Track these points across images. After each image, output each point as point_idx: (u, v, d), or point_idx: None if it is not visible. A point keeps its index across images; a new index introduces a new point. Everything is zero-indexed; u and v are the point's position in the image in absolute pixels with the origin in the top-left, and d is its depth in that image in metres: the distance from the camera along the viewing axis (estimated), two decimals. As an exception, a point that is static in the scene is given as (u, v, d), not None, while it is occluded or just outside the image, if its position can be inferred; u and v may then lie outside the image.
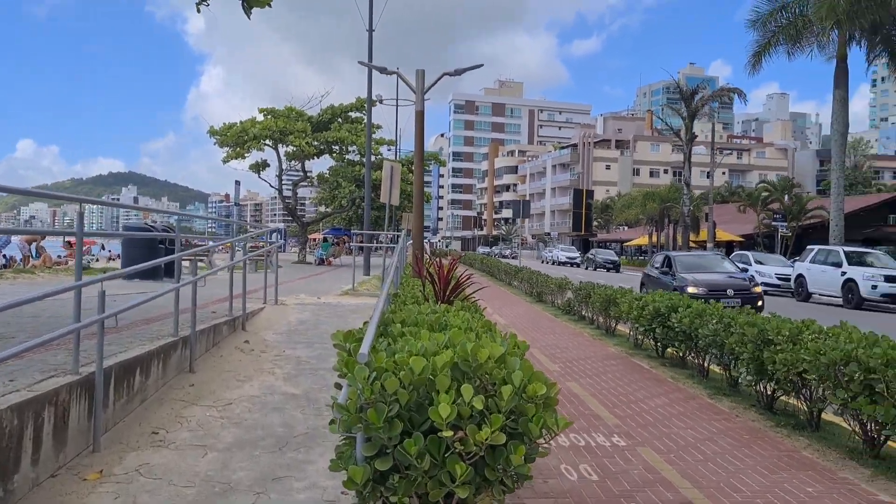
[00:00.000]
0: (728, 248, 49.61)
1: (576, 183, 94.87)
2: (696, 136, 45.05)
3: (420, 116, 9.47)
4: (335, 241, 36.89)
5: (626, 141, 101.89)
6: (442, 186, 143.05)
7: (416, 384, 2.88)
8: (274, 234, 19.33)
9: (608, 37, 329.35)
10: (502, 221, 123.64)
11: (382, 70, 10.54)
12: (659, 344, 10.60)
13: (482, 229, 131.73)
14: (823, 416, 6.53)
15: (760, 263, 28.01)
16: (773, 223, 41.45)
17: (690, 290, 15.55)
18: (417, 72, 9.43)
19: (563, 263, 53.80)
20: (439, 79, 10.04)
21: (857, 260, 22.22)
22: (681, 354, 9.88)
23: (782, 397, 7.16)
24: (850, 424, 5.79)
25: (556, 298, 18.44)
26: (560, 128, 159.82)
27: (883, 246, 41.68)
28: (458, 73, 10.12)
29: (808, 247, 25.70)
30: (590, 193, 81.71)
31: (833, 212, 30.48)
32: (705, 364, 8.97)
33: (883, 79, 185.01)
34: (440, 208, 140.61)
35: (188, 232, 43.85)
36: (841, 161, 30.38)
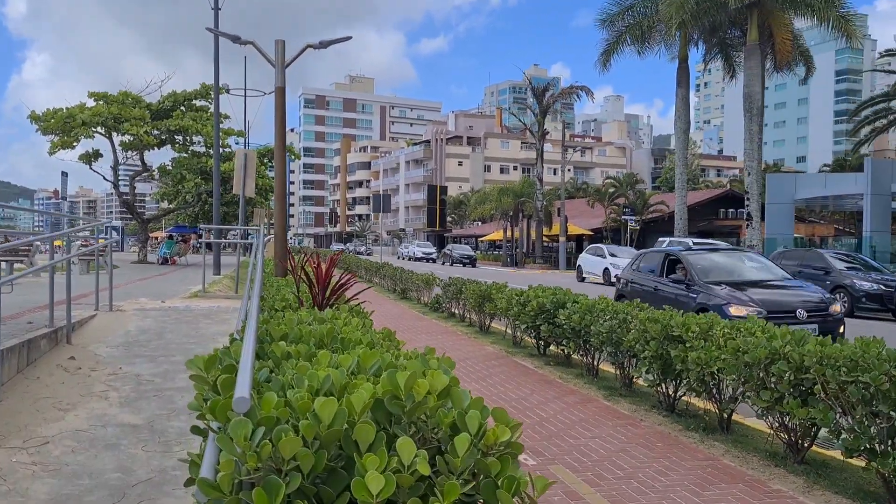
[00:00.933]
0: (578, 241, 51.24)
1: (429, 179, 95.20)
2: (549, 132, 46.03)
3: (281, 93, 8.31)
4: (181, 238, 34.24)
5: (477, 138, 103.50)
6: (293, 182, 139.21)
7: (325, 441, 1.89)
8: (110, 231, 17.25)
9: (455, 37, 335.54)
10: (356, 218, 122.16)
11: (235, 39, 9.25)
12: (541, 342, 10.06)
13: (335, 226, 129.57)
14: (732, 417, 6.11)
15: (615, 256, 28.75)
16: (623, 217, 43.13)
17: (735, 311, 9.69)
18: (277, 43, 8.27)
19: (420, 259, 53.43)
20: (302, 51, 8.92)
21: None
22: (566, 353, 9.37)
23: (684, 398, 6.73)
24: (773, 428, 5.33)
25: (422, 295, 17.69)
26: (412, 124, 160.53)
27: (715, 238, 44.60)
28: (324, 45, 9.04)
29: (660, 239, 26.58)
30: (443, 189, 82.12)
31: (677, 206, 31.88)
32: (595, 363, 8.47)
33: (706, 83, 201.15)
34: (291, 205, 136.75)
35: (8, 230, 39.33)
36: (684, 157, 31.84)
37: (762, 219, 27.82)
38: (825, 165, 62.21)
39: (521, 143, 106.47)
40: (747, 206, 26.91)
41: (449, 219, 78.91)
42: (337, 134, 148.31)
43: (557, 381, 8.34)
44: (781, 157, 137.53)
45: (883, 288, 16.20)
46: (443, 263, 51.62)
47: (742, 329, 5.75)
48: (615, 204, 47.36)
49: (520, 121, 49.71)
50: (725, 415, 5.99)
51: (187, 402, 2.63)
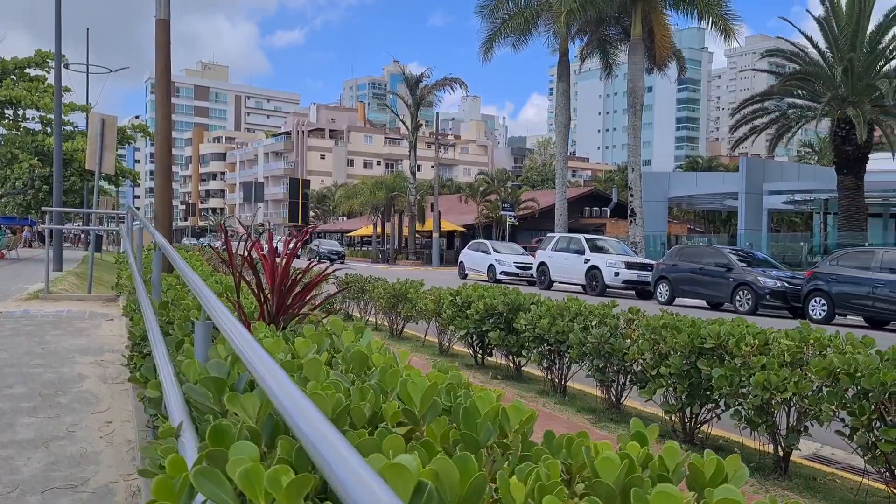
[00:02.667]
0: (449, 237, 50.35)
1: (290, 172, 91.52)
2: (422, 125, 44.74)
3: (163, 28, 6.19)
4: (8, 230, 29.75)
5: (340, 131, 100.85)
6: (138, 172, 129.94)
7: None
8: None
9: (311, 30, 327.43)
10: (209, 211, 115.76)
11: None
12: (480, 352, 8.51)
13: (187, 220, 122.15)
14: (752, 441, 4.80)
15: (498, 252, 27.78)
16: (502, 213, 42.52)
17: None
18: (159, -37, 6.16)
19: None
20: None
21: (595, 247, 22.55)
22: (516, 365, 7.87)
23: (703, 426, 5.38)
24: (879, 474, 4.03)
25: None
26: (269, 116, 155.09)
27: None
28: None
29: (549, 234, 25.87)
30: (306, 183, 78.81)
31: (558, 201, 31.48)
32: (565, 379, 7.00)
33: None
34: (137, 196, 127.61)
35: None
36: (565, 152, 31.45)
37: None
38: (679, 166, 65.06)
39: (386, 138, 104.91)
40: (631, 202, 26.78)
41: (312, 213, 75.91)
42: (188, 123, 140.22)
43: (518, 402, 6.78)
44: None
45: (787, 285, 15.99)
46: (309, 259, 49.02)
47: (816, 342, 4.44)
48: (487, 200, 46.82)
49: (392, 112, 48.00)
50: (783, 452, 4.66)
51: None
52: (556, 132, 31.97)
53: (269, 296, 3.12)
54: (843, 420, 4.07)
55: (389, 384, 1.63)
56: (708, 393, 5.01)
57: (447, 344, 9.52)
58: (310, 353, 2.00)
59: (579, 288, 23.13)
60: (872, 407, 3.77)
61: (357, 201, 48.75)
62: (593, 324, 6.32)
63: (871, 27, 22.18)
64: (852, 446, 4.09)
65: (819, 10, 24.31)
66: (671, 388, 5.26)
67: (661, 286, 19.01)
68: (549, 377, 7.18)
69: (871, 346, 4.28)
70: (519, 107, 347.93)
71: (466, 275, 29.17)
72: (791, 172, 29.26)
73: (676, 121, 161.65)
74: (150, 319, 3.16)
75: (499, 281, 26.56)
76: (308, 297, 3.20)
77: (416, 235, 46.68)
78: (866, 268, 13.94)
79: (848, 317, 14.89)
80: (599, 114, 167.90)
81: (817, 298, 14.70)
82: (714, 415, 5.20)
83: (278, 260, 3.17)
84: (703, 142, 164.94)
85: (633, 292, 21.69)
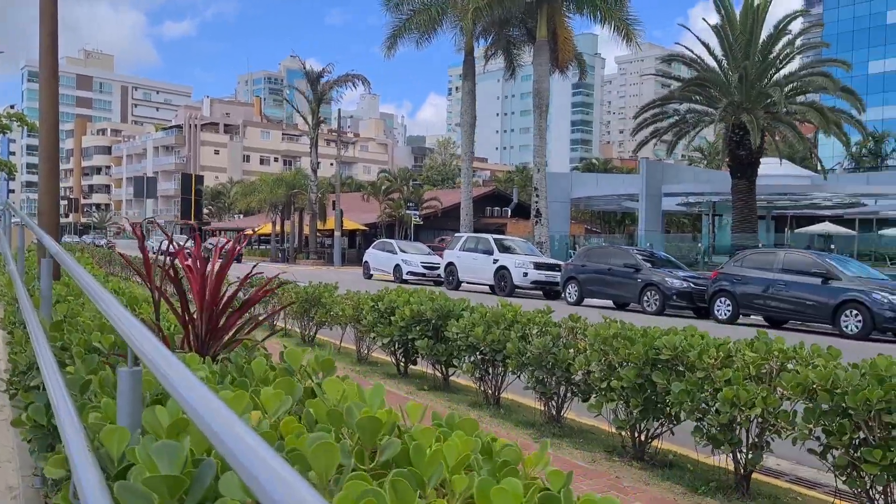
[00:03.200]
0: (351, 236, 49.45)
1: (182, 167, 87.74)
2: (323, 120, 43.67)
3: None
4: None
5: (235, 126, 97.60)
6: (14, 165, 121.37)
7: None
8: None
9: (202, 22, 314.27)
10: (93, 207, 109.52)
11: None
12: (403, 360, 8.04)
13: (68, 216, 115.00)
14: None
15: (404, 252, 27.31)
16: (407, 211, 42.02)
17: None
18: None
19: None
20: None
21: (503, 247, 22.45)
22: (444, 375, 7.44)
23: (653, 442, 5.10)
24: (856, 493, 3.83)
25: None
26: (158, 108, 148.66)
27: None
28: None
29: (458, 234, 25.60)
30: (199, 179, 75.65)
31: (464, 201, 31.34)
32: (499, 391, 6.62)
33: (457, 88, 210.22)
34: (11, 191, 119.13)
35: None
36: (470, 151, 31.33)
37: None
38: (575, 168, 66.56)
39: (283, 134, 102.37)
40: (536, 202, 26.90)
41: (206, 211, 72.96)
42: (69, 114, 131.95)
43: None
44: (526, 161, 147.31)
45: (692, 286, 16.31)
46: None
47: (780, 353, 4.22)
48: (390, 199, 46.22)
49: (293, 107, 46.65)
50: (744, 470, 4.42)
51: None
52: (462, 132, 31.81)
53: (195, 316, 2.53)
54: (818, 438, 3.85)
55: (427, 470, 1.14)
56: (664, 407, 4.73)
57: (366, 351, 8.98)
58: (280, 410, 1.47)
59: (487, 288, 23.00)
60: (854, 426, 3.55)
61: (255, 198, 47.09)
62: (533, 332, 5.96)
63: (763, 36, 23.15)
64: (826, 465, 3.88)
65: (712, 21, 25.20)
66: (622, 403, 4.95)
67: (569, 286, 19.07)
68: (482, 388, 6.78)
69: (837, 358, 4.09)
70: (417, 106, 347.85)
71: (371, 275, 28.54)
72: (687, 175, 30.33)
73: (571, 124, 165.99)
74: (41, 345, 2.52)
75: (405, 281, 26.08)
76: (243, 316, 2.63)
77: (318, 234, 45.55)
78: (768, 269, 14.36)
79: (751, 316, 15.33)
80: (497, 115, 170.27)
81: (722, 299, 15.05)
82: (667, 429, 4.93)
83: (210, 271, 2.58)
84: (596, 144, 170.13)
85: (541, 292, 21.73)
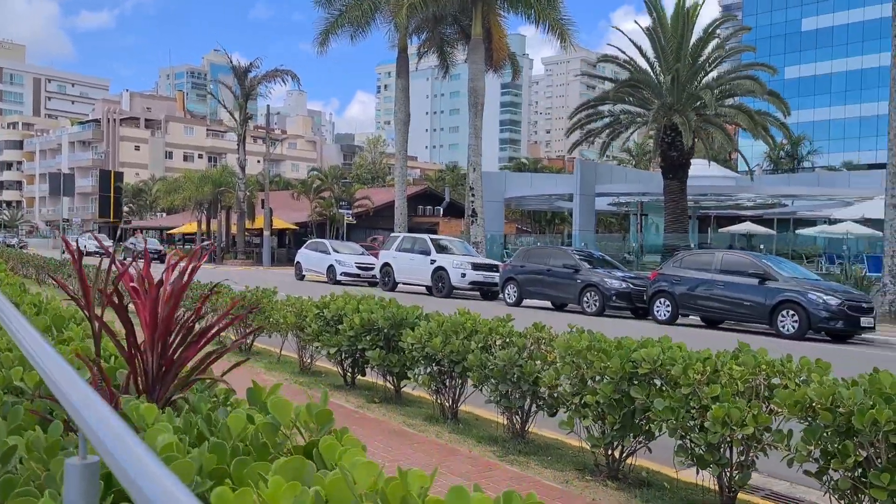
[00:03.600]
0: (280, 236, 48.30)
1: (101, 163, 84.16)
2: (252, 116, 42.49)
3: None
4: None
5: (157, 121, 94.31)
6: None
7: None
8: None
9: (121, 14, 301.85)
10: (3, 205, 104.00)
11: None
12: (350, 371, 7.60)
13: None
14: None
15: (338, 252, 26.69)
16: (340, 210, 41.19)
17: None
18: None
19: (92, 253, 46.10)
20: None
21: (441, 248, 22.13)
22: (395, 387, 7.05)
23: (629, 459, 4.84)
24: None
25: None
26: (74, 102, 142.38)
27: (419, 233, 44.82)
28: None
29: (393, 234, 25.15)
30: (119, 175, 72.57)
31: (398, 200, 30.91)
32: (457, 404, 6.28)
33: (386, 86, 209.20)
34: None
35: None
36: (404, 150, 30.92)
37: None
38: (504, 167, 66.81)
39: (208, 130, 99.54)
40: (472, 202, 26.70)
41: (126, 209, 70.16)
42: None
43: (408, 431, 5.98)
44: (456, 160, 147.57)
45: (632, 286, 16.35)
46: (124, 258, 45.09)
47: (767, 367, 4.01)
48: (321, 197, 45.30)
49: (219, 102, 45.17)
50: (730, 490, 4.20)
51: None
52: (395, 130, 31.35)
53: (143, 349, 2.08)
54: (816, 459, 3.64)
55: None
56: (643, 424, 4.47)
57: (309, 360, 8.49)
58: None
59: (424, 289, 22.65)
60: (859, 448, 3.34)
61: (180, 196, 45.39)
62: (497, 343, 5.63)
63: (693, 40, 23.56)
64: (824, 487, 3.67)
65: (644, 23, 25.53)
66: (598, 420, 4.67)
67: (508, 287, 18.90)
68: (438, 400, 6.42)
69: (827, 371, 3.90)
70: (345, 104, 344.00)
71: (304, 276, 27.81)
72: (619, 176, 30.72)
73: (500, 123, 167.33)
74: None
75: (339, 282, 25.50)
76: (202, 348, 2.19)
77: (246, 233, 44.27)
78: (707, 269, 14.49)
79: (689, 317, 15.46)
80: (427, 113, 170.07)
81: (662, 299, 15.11)
82: (643, 445, 4.67)
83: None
84: (524, 144, 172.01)
85: (479, 293, 21.52)
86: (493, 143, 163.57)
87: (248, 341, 9.86)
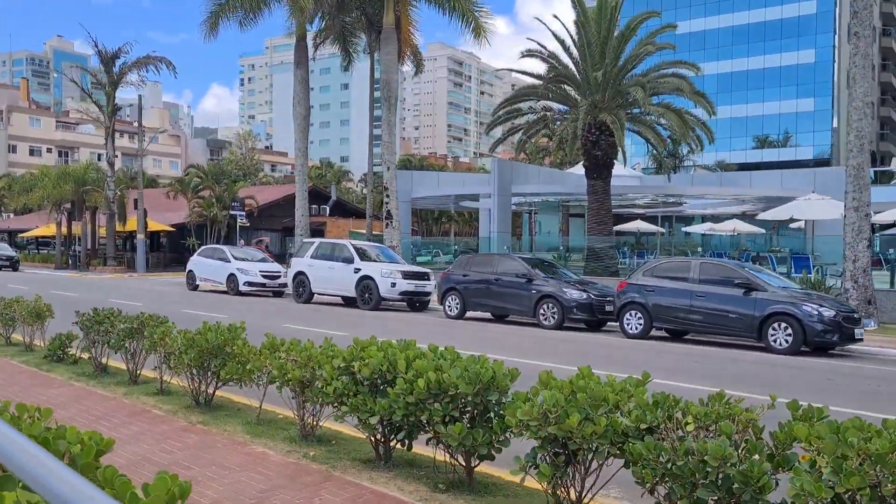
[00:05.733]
0: (153, 238, 44.15)
1: (-70, 157, 74.72)
2: (120, 108, 38.42)
3: None
4: None
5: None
6: None
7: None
8: None
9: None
10: None
11: None
12: (384, 438, 5.74)
13: None
14: None
15: (238, 259, 24.02)
16: (232, 212, 37.80)
17: None
18: None
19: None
20: None
21: (363, 254, 20.14)
22: (465, 466, 5.28)
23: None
24: None
25: (30, 337, 11.10)
26: None
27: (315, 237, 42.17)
28: None
29: (307, 240, 22.90)
30: (-46, 171, 64.75)
31: (298, 200, 28.63)
32: (581, 494, 4.62)
33: (251, 79, 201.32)
34: None
35: None
36: (305, 145, 28.64)
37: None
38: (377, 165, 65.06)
39: (58, 122, 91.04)
40: (387, 203, 24.82)
41: (-36, 209, 62.47)
42: None
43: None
44: (327, 156, 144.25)
45: (593, 297, 15.20)
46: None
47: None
48: (200, 197, 41.64)
49: (84, 91, 40.38)
50: None
51: None
52: (295, 124, 28.91)
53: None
54: None
55: None
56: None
57: (313, 421, 6.49)
58: None
59: (342, 300, 20.67)
60: None
61: (36, 195, 40.28)
62: (686, 424, 4.02)
63: (614, 35, 22.88)
64: None
65: (560, 20, 24.68)
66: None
67: (450, 298, 17.28)
68: (553, 490, 4.72)
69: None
70: (198, 96, 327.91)
71: (197, 285, 24.91)
72: (534, 175, 29.84)
73: (375, 118, 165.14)
74: None
75: (241, 293, 22.95)
76: None
77: (117, 235, 40.04)
78: (684, 279, 13.53)
79: (661, 330, 14.47)
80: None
81: (633, 311, 14.00)
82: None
83: None
84: (398, 141, 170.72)
85: (405, 304, 19.78)
86: (364, 140, 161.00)
87: (210, 391, 7.69)
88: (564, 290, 15.29)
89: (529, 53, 23.93)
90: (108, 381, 8.98)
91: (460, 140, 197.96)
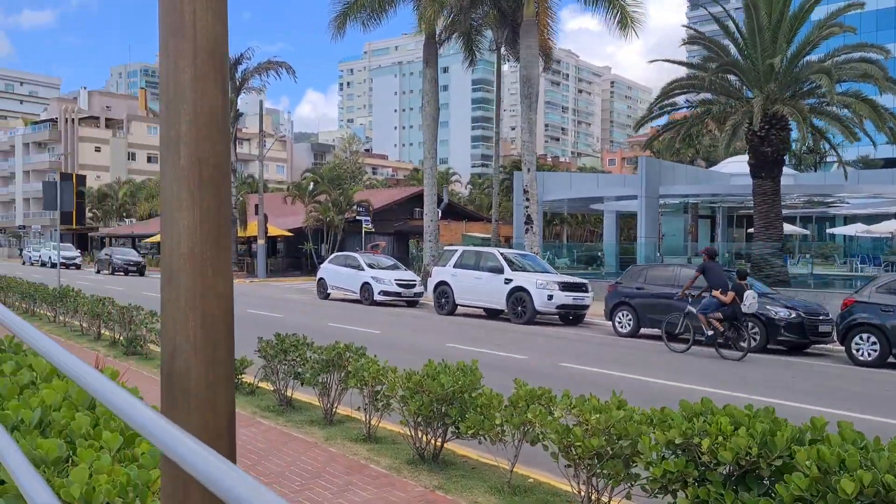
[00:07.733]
0: (271, 243, 44.22)
1: (58, 166, 78.50)
2: (243, 114, 38.43)
3: None
4: None
5: (118, 120, 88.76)
6: None
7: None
8: None
9: (63, 13, 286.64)
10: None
11: None
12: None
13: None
14: None
15: (372, 267, 22.96)
16: (358, 218, 37.27)
17: None
18: None
19: (55, 265, 41.53)
20: None
21: (512, 264, 18.60)
22: None
23: None
24: None
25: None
26: (22, 101, 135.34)
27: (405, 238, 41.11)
28: None
29: (448, 247, 21.61)
30: (81, 179, 67.55)
31: (427, 205, 27.37)
32: None
33: (349, 83, 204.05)
34: None
35: None
36: (434, 147, 27.39)
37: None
38: (502, 167, 63.52)
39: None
40: (527, 207, 23.28)
41: (90, 215, 65.03)
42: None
43: None
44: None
45: (804, 315, 13.12)
46: (98, 272, 40.66)
47: None
48: (317, 201, 41.33)
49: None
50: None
51: None
52: (424, 125, 27.80)
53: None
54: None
55: None
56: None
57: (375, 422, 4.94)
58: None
59: (483, 312, 19.25)
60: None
61: (159, 202, 40.99)
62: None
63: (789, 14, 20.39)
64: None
65: (720, 5, 22.44)
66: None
67: (620, 313, 15.52)
68: None
69: None
70: (294, 102, 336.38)
71: (328, 294, 24.06)
72: (681, 175, 27.59)
73: (472, 120, 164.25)
74: None
75: (377, 302, 21.89)
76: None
77: (236, 241, 40.19)
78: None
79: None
80: (395, 111, 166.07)
81: (864, 335, 11.86)
82: None
83: None
84: (499, 141, 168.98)
85: (558, 317, 18.14)
86: (466, 140, 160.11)
87: (436, 444, 6.30)
88: (769, 306, 13.26)
89: (692, 40, 21.81)
90: (299, 419, 7.77)
91: (557, 140, 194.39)
